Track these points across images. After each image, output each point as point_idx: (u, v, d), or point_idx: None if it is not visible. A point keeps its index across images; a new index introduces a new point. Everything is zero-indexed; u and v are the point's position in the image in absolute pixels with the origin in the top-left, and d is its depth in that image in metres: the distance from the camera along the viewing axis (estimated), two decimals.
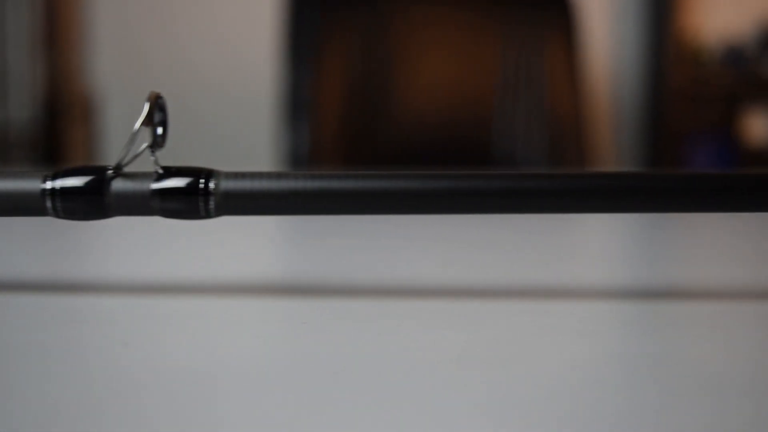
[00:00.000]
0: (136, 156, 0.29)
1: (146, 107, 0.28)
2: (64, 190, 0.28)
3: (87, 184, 0.28)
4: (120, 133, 2.16)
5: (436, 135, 1.26)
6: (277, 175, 0.29)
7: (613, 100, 2.35)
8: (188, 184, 0.29)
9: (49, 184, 0.28)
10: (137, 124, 0.28)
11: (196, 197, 0.28)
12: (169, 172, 0.29)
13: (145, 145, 0.29)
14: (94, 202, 0.28)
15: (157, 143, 0.29)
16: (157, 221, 0.30)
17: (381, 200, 0.29)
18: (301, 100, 1.20)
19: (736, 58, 2.36)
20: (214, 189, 0.29)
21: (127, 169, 0.29)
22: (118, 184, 0.28)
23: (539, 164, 1.23)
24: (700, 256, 0.50)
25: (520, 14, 1.26)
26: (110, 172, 0.29)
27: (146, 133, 0.29)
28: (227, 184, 0.29)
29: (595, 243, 0.58)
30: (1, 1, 2.00)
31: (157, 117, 0.29)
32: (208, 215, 0.29)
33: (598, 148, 2.30)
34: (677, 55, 2.32)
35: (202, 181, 0.29)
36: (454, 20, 1.28)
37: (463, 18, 1.28)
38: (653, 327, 0.31)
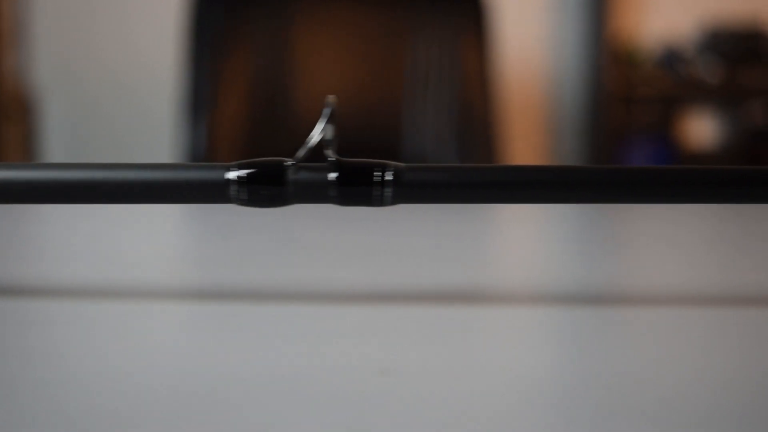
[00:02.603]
0: (312, 150, 0.32)
1: (327, 111, 0.32)
2: (250, 179, 0.31)
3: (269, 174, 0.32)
4: (57, 131, 2.16)
5: (342, 136, 1.25)
6: (456, 169, 0.33)
7: (546, 101, 2.35)
8: (365, 175, 0.32)
9: (233, 174, 0.31)
10: (321, 125, 0.32)
11: (370, 187, 0.32)
12: (344, 164, 0.32)
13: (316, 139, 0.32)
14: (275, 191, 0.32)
15: (330, 140, 0.32)
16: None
17: None
18: (200, 99, 1.19)
19: (673, 59, 2.36)
20: (390, 179, 0.32)
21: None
22: (298, 175, 0.32)
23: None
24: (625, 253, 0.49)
25: (429, 14, 1.24)
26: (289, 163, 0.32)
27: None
28: (405, 176, 0.32)
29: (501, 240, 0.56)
30: None
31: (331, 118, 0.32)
32: (383, 203, 0.32)
33: (521, 149, 2.30)
34: (613, 57, 2.32)
35: (377, 172, 0.32)
36: (360, 21, 1.27)
37: (369, 18, 1.27)
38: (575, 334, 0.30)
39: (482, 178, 0.32)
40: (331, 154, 0.32)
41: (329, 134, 0.32)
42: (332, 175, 0.32)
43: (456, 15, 1.25)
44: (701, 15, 2.40)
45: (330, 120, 0.32)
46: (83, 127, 2.16)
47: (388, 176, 0.32)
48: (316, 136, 0.32)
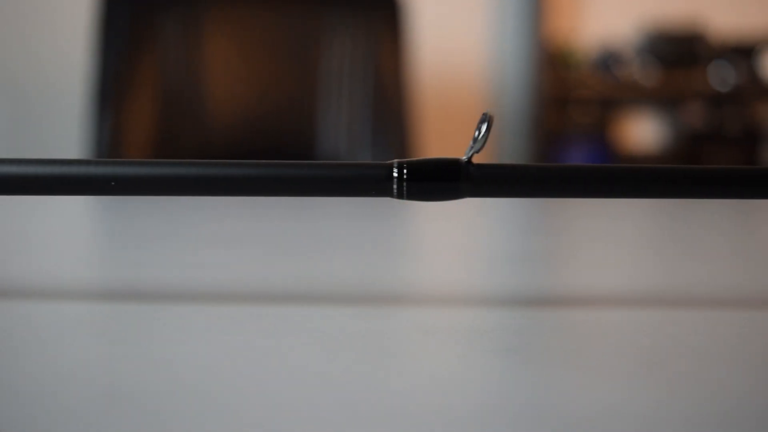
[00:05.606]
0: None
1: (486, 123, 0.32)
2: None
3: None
4: None
5: (254, 138, 1.24)
6: None
7: (482, 102, 2.32)
8: None
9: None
10: (482, 133, 0.32)
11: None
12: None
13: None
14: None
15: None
16: None
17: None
18: (106, 96, 1.17)
19: (610, 61, 2.35)
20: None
21: None
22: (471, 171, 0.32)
23: None
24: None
25: (344, 14, 1.24)
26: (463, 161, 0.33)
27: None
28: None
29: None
30: None
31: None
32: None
33: (455, 149, 2.27)
34: (549, 58, 2.30)
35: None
36: (272, 20, 1.26)
37: (282, 17, 1.25)
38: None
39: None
40: None
41: None
42: None
43: (371, 14, 1.26)
44: (638, 17, 2.40)
45: None
46: (17, 125, 2.11)
47: None
48: None
